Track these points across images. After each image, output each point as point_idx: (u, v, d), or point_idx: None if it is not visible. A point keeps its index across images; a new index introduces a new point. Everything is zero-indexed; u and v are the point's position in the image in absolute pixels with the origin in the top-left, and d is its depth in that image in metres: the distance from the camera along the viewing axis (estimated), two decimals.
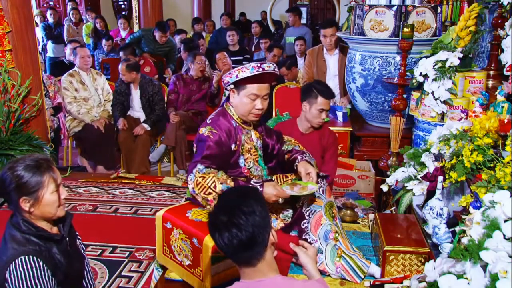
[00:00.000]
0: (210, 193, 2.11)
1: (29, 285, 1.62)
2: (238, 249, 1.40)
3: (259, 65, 2.23)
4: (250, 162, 2.39)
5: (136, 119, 4.73)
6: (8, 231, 1.72)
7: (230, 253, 1.44)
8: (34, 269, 1.63)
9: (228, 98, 2.37)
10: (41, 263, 1.66)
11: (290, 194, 2.17)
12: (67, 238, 1.84)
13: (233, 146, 2.31)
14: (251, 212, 1.39)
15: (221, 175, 2.14)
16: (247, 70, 2.22)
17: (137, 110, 4.75)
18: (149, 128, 4.61)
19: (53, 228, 1.80)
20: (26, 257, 1.64)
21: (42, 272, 1.65)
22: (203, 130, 2.25)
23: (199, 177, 2.13)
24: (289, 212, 2.44)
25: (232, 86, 2.30)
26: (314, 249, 1.68)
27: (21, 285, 1.61)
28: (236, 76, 2.25)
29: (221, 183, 2.10)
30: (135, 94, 4.70)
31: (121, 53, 5.87)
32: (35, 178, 1.68)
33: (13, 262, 1.62)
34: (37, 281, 1.63)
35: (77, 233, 1.97)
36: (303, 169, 2.30)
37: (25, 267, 1.62)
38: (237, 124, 2.36)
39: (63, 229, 1.83)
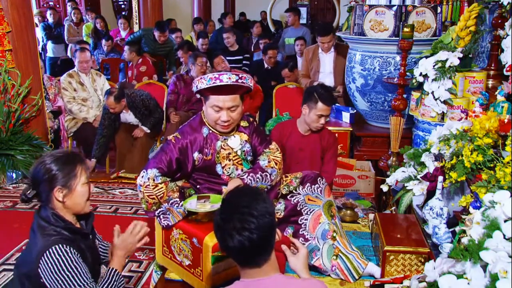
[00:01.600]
0: (153, 199, 2.22)
1: (66, 273, 1.61)
2: (250, 252, 1.39)
3: (217, 76, 2.13)
4: (230, 168, 2.31)
5: (132, 125, 4.56)
6: (37, 224, 1.72)
7: (240, 256, 1.43)
8: (68, 255, 1.63)
9: None
10: (73, 250, 1.66)
11: (187, 209, 2.17)
12: (90, 236, 1.86)
13: (195, 155, 2.26)
14: (261, 216, 1.39)
15: (170, 188, 2.24)
16: (205, 81, 2.15)
17: (135, 122, 4.53)
18: (148, 131, 4.48)
19: (77, 224, 1.81)
20: (60, 245, 1.64)
21: (75, 259, 1.65)
22: (170, 136, 2.30)
23: (152, 185, 2.20)
24: (281, 205, 2.43)
25: (199, 95, 2.27)
26: (305, 250, 1.66)
27: (56, 274, 1.60)
28: (197, 87, 2.20)
29: (167, 196, 2.23)
30: (129, 116, 4.41)
31: (126, 47, 5.86)
32: (68, 169, 1.71)
33: (47, 252, 1.62)
34: (73, 267, 1.63)
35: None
36: (231, 186, 2.16)
37: (59, 255, 1.62)
38: (211, 132, 2.29)
39: (85, 226, 1.84)
